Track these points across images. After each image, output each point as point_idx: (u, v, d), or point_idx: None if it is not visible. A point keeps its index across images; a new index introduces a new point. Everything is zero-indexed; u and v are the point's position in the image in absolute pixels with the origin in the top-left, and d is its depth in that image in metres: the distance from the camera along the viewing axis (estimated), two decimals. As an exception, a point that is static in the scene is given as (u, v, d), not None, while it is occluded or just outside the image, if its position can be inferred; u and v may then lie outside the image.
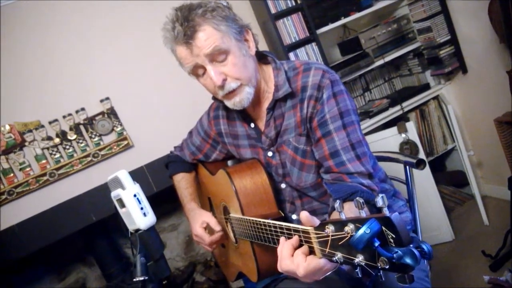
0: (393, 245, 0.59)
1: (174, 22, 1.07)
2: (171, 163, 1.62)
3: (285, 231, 0.88)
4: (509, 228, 2.09)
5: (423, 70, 2.71)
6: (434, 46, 2.48)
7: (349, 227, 0.64)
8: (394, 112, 2.52)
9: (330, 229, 0.69)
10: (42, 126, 2.06)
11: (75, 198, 2.08)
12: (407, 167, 1.43)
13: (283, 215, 1.25)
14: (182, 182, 1.54)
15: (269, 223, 0.98)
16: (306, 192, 1.25)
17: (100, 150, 2.12)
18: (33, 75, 2.06)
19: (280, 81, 1.19)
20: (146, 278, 0.98)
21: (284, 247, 0.82)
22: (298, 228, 0.80)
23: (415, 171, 1.42)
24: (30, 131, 2.04)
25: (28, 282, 2.32)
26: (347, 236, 0.65)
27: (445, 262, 2.31)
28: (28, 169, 2.03)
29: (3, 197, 1.97)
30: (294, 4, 2.28)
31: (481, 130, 2.57)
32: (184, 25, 1.05)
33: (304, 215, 0.77)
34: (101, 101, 2.15)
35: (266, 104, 1.23)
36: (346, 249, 0.66)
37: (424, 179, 2.35)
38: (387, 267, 0.59)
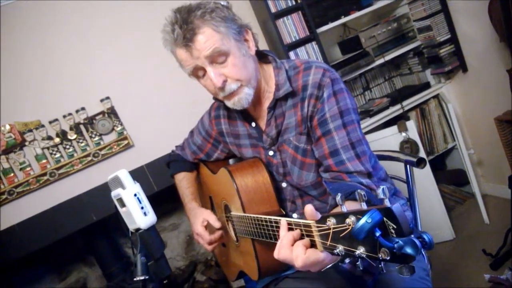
0: (394, 235, 0.59)
1: (173, 24, 1.07)
2: (173, 163, 1.62)
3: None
4: (510, 227, 2.09)
5: (423, 69, 2.71)
6: (434, 45, 2.48)
7: (351, 219, 0.65)
8: (394, 111, 2.52)
9: (331, 221, 0.69)
10: (42, 126, 2.06)
11: (75, 197, 2.08)
12: (408, 166, 1.43)
13: (284, 213, 1.25)
14: (184, 181, 1.54)
15: (270, 218, 0.98)
16: (307, 191, 1.25)
17: (100, 149, 2.12)
18: (33, 74, 2.06)
19: (280, 80, 1.19)
20: (147, 277, 0.98)
21: (286, 236, 0.81)
22: (300, 222, 0.80)
23: (416, 170, 1.42)
24: (30, 130, 2.04)
25: (29, 282, 2.32)
26: (348, 228, 0.65)
27: (445, 261, 2.31)
28: (28, 168, 2.03)
29: (4, 196, 1.97)
30: (294, 3, 2.28)
31: (481, 128, 2.57)
32: (183, 28, 1.05)
33: (309, 208, 0.76)
34: (101, 100, 2.15)
35: (267, 103, 1.23)
36: (347, 242, 0.66)
37: (424, 178, 2.35)
38: (388, 258, 0.59)
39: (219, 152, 1.50)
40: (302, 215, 1.29)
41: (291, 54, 2.28)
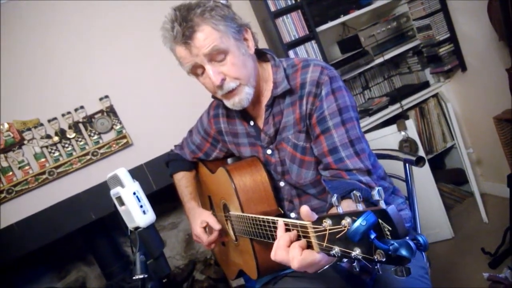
0: (389, 237, 0.59)
1: (173, 22, 1.07)
2: (172, 162, 1.62)
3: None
4: (508, 226, 2.09)
5: (423, 68, 2.71)
6: (433, 44, 2.48)
7: (346, 221, 0.65)
8: (393, 110, 2.52)
9: (327, 223, 0.69)
10: (41, 125, 2.05)
11: (74, 196, 2.08)
12: (407, 164, 1.43)
13: (282, 212, 1.25)
14: (183, 180, 1.54)
15: (268, 219, 0.98)
16: (305, 190, 1.25)
17: (99, 148, 2.12)
18: (32, 73, 2.06)
19: (278, 78, 1.19)
20: (146, 276, 0.98)
21: (282, 237, 0.82)
22: (296, 223, 0.80)
23: (415, 169, 1.42)
24: (29, 129, 2.04)
25: (28, 281, 2.32)
26: (344, 230, 0.65)
27: (444, 260, 2.31)
28: (27, 167, 2.03)
29: (2, 195, 1.97)
30: (293, 2, 2.28)
31: (481, 128, 2.57)
32: (183, 25, 1.05)
33: (305, 209, 0.76)
34: (100, 99, 2.15)
35: (265, 101, 1.23)
36: (343, 243, 0.66)
37: (423, 176, 2.35)
38: (384, 259, 0.59)
39: (217, 151, 1.50)
40: (299, 215, 1.29)
41: (291, 53, 2.28)
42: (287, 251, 0.79)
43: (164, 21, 1.10)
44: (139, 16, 2.21)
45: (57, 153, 2.07)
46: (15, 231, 1.99)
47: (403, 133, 2.35)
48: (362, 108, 2.60)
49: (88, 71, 2.14)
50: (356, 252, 0.63)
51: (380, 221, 0.60)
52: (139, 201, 1.01)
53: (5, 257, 1.97)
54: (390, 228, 0.59)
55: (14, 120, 2.02)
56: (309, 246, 0.77)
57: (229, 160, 1.59)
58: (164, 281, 1.08)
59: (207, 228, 1.34)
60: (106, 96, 2.15)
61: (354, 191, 0.66)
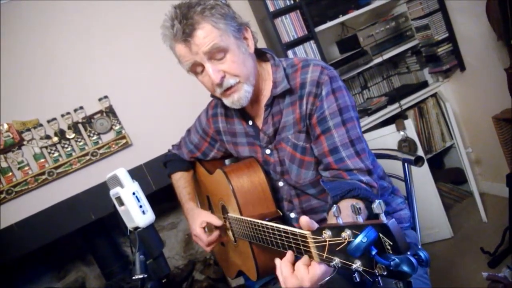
0: (390, 252, 0.59)
1: (173, 19, 1.07)
2: (169, 162, 1.61)
3: (282, 234, 0.88)
4: (508, 225, 2.09)
5: (421, 68, 2.72)
6: (432, 44, 2.48)
7: (346, 233, 0.64)
8: (392, 109, 2.52)
9: (327, 234, 0.69)
10: (41, 125, 2.05)
11: (74, 197, 2.08)
12: (406, 164, 1.43)
13: (281, 214, 1.25)
14: (181, 181, 1.54)
15: (267, 225, 0.98)
16: (305, 190, 1.25)
17: (99, 148, 2.12)
18: (32, 74, 2.06)
19: (278, 77, 1.19)
20: (145, 276, 0.98)
21: (283, 267, 0.81)
22: (296, 232, 0.80)
23: (414, 169, 1.43)
24: (29, 130, 2.04)
25: (28, 281, 2.32)
26: (344, 242, 0.65)
27: (444, 259, 2.32)
28: (26, 168, 2.03)
29: (2, 196, 1.97)
30: (292, 2, 2.28)
31: (479, 127, 2.57)
32: (183, 23, 1.05)
33: (304, 219, 0.76)
34: (100, 99, 2.15)
35: (264, 101, 1.23)
36: (343, 255, 0.66)
37: (422, 176, 2.36)
38: (385, 273, 0.59)
39: (215, 151, 1.50)
40: (299, 215, 1.29)
41: (290, 53, 2.28)
42: (295, 277, 0.79)
43: (164, 19, 1.10)
44: (138, 16, 2.21)
45: (56, 154, 2.07)
46: (15, 231, 1.99)
47: (402, 132, 2.35)
48: (361, 108, 2.60)
49: (87, 72, 2.14)
50: (357, 264, 0.63)
51: (381, 235, 0.60)
52: (139, 201, 1.01)
53: (5, 257, 1.97)
54: (391, 243, 0.59)
55: (13, 121, 2.02)
56: (309, 256, 0.77)
57: (227, 161, 1.59)
58: (163, 281, 1.08)
59: (207, 229, 1.34)
60: (106, 97, 2.15)
61: (354, 203, 0.65)
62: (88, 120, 2.12)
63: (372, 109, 2.52)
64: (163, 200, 2.34)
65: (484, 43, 2.32)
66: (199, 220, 1.33)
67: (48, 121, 2.06)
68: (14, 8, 2.02)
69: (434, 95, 2.68)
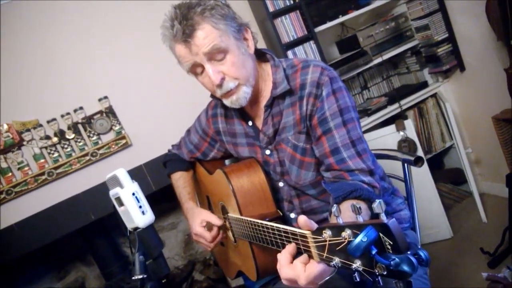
0: (391, 251, 0.59)
1: (173, 20, 1.07)
2: (169, 162, 1.61)
3: (282, 233, 0.88)
4: (507, 225, 2.09)
5: (421, 68, 2.72)
6: (432, 44, 2.49)
7: (346, 233, 0.64)
8: (392, 110, 2.52)
9: (327, 233, 0.69)
10: (40, 125, 2.05)
11: (73, 197, 2.08)
12: (405, 164, 1.43)
13: (281, 214, 1.25)
14: (180, 181, 1.54)
15: (267, 225, 0.98)
16: (305, 190, 1.25)
17: (99, 149, 2.12)
18: (32, 74, 2.06)
19: (278, 78, 1.19)
20: (145, 276, 0.98)
21: (282, 256, 0.82)
22: (296, 231, 0.80)
23: (414, 169, 1.43)
24: (28, 130, 2.04)
25: (28, 281, 2.32)
26: (344, 242, 0.65)
27: (443, 260, 2.32)
28: (26, 168, 2.03)
29: (2, 196, 1.97)
30: (292, 2, 2.28)
31: (479, 127, 2.58)
32: (183, 24, 1.05)
33: (302, 219, 0.76)
34: (100, 100, 2.15)
35: (264, 102, 1.23)
36: (344, 254, 0.66)
37: (422, 176, 2.36)
38: (385, 273, 0.59)
39: (215, 151, 1.50)
40: (299, 215, 1.29)
41: (289, 53, 2.28)
42: (291, 268, 0.79)
43: (164, 19, 1.10)
44: (138, 16, 2.21)
45: (56, 154, 2.07)
46: (15, 231, 1.99)
47: (401, 133, 2.35)
48: (361, 108, 2.60)
49: (87, 72, 2.14)
50: (357, 264, 0.63)
51: (381, 235, 0.60)
52: (138, 201, 1.01)
53: (5, 258, 1.97)
54: (391, 243, 0.59)
55: (13, 121, 2.02)
56: (309, 256, 0.77)
57: (227, 161, 1.59)
58: (163, 281, 1.09)
59: (207, 228, 1.34)
60: (105, 97, 2.15)
61: (354, 203, 0.65)
62: (88, 121, 2.12)
63: (372, 109, 2.52)
64: (163, 200, 2.34)
65: (484, 43, 2.32)
66: (199, 219, 1.32)
67: (48, 122, 2.06)
68: (14, 8, 2.02)
69: (434, 96, 2.68)
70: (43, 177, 2.04)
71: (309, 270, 0.76)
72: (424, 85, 2.67)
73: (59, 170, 2.06)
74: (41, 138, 2.05)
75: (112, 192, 1.03)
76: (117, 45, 2.19)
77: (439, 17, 2.44)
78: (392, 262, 0.58)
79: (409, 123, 2.35)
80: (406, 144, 2.34)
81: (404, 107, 2.53)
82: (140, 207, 1.01)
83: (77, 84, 2.12)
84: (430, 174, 2.39)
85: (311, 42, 2.32)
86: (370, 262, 0.62)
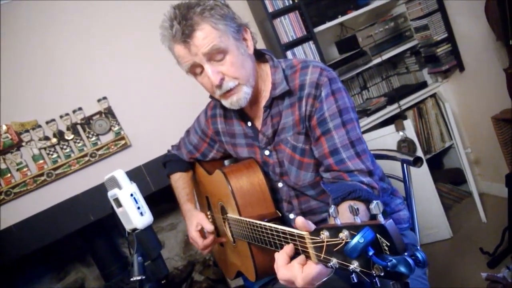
0: (388, 253, 0.59)
1: (172, 20, 1.07)
2: (169, 162, 1.61)
3: (281, 234, 0.88)
4: (507, 225, 2.09)
5: (420, 68, 2.72)
6: (431, 44, 2.49)
7: (344, 234, 0.65)
8: (391, 110, 2.52)
9: (325, 234, 0.69)
10: (39, 126, 2.05)
11: (73, 198, 2.08)
12: (405, 165, 1.43)
13: (280, 215, 1.25)
14: (179, 181, 1.54)
15: (265, 225, 0.97)
16: (304, 191, 1.25)
17: (98, 150, 2.12)
18: (31, 74, 2.06)
19: (277, 79, 1.19)
20: (144, 277, 0.98)
21: (279, 256, 0.81)
22: (294, 232, 0.80)
23: (413, 169, 1.42)
24: (27, 131, 2.04)
25: (27, 282, 2.32)
26: (341, 243, 0.65)
27: (443, 260, 2.32)
28: (25, 169, 2.03)
29: (1, 197, 1.97)
30: (291, 2, 2.28)
31: (479, 127, 2.57)
32: (182, 24, 1.05)
33: (300, 220, 0.76)
34: (99, 100, 2.14)
35: (263, 102, 1.23)
36: (341, 255, 0.66)
37: (422, 176, 2.36)
38: (382, 274, 0.59)
39: (215, 152, 1.50)
40: (298, 215, 1.29)
41: (289, 53, 2.28)
42: (288, 269, 0.79)
43: (163, 20, 1.10)
44: (137, 17, 2.21)
45: (55, 155, 2.07)
46: (14, 232, 1.98)
47: (401, 133, 2.35)
48: (360, 108, 2.60)
49: (86, 72, 2.14)
50: (354, 265, 0.63)
51: (378, 236, 0.60)
52: (137, 202, 1.01)
53: (4, 259, 1.97)
54: (388, 244, 0.59)
55: (12, 122, 2.02)
56: (306, 257, 0.77)
57: (226, 162, 1.59)
58: (163, 282, 1.09)
59: (205, 230, 1.34)
60: (104, 98, 2.15)
61: (351, 204, 0.66)
62: (87, 121, 2.12)
63: (372, 109, 2.52)
64: (162, 201, 2.34)
65: (483, 43, 2.32)
66: (194, 222, 1.33)
67: (47, 122, 2.06)
68: (14, 8, 2.02)
69: (433, 96, 2.67)
70: (42, 178, 2.03)
71: (306, 271, 0.75)
72: (423, 85, 2.67)
73: (58, 171, 2.06)
74: (40, 139, 2.05)
75: (111, 193, 1.03)
76: (116, 45, 2.19)
77: (439, 17, 2.44)
78: (389, 263, 0.58)
79: (408, 123, 2.35)
80: (405, 144, 2.34)
81: (403, 107, 2.53)
82: (139, 208, 1.01)
83: (76, 85, 2.12)
84: (429, 174, 2.39)
85: (311, 42, 2.32)
86: (367, 263, 0.62)
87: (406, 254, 0.58)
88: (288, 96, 1.18)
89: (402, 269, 0.57)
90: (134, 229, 1.03)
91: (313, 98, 1.13)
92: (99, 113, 2.14)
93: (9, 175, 2.00)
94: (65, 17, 2.11)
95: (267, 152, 1.27)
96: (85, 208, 2.08)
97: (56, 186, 2.07)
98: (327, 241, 0.69)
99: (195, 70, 1.13)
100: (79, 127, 2.11)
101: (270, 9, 2.24)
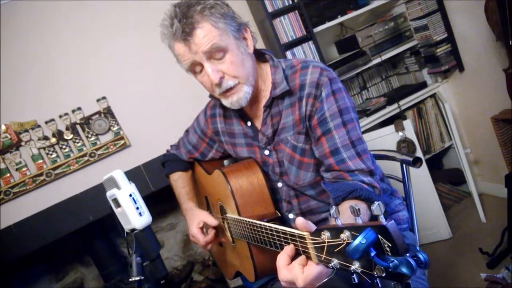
0: (389, 253, 0.59)
1: (173, 18, 1.07)
2: (168, 162, 1.61)
3: (281, 234, 0.87)
4: (506, 226, 2.09)
5: (420, 68, 2.71)
6: (431, 44, 2.48)
7: (345, 235, 0.64)
8: (391, 110, 2.52)
9: (326, 235, 0.69)
10: (38, 126, 2.05)
11: (72, 198, 2.08)
12: (404, 165, 1.43)
13: (279, 215, 1.25)
14: (179, 181, 1.54)
15: (265, 225, 0.97)
16: (304, 191, 1.25)
17: (97, 149, 2.12)
18: (30, 74, 2.05)
19: (277, 79, 1.19)
20: (142, 278, 0.98)
21: (280, 258, 0.81)
22: (294, 233, 0.80)
23: (413, 169, 1.42)
24: (26, 131, 2.03)
25: (26, 282, 2.31)
26: (343, 243, 0.65)
27: (442, 260, 2.31)
28: (24, 169, 2.02)
29: (0, 197, 1.96)
30: (291, 2, 2.28)
31: (478, 128, 2.57)
32: (183, 22, 1.05)
33: (300, 221, 0.76)
34: (98, 100, 2.14)
35: (263, 102, 1.23)
36: (342, 256, 0.66)
37: (421, 177, 2.36)
38: (384, 275, 0.59)
39: (214, 152, 1.50)
40: (298, 215, 1.29)
41: (288, 53, 2.28)
42: (289, 270, 0.79)
43: (163, 18, 1.10)
44: (137, 17, 2.21)
45: (54, 155, 2.07)
46: (13, 232, 1.98)
47: (400, 133, 2.35)
48: (360, 108, 2.60)
49: (85, 72, 2.14)
50: (355, 266, 0.63)
51: (379, 237, 0.60)
52: (135, 203, 1.01)
53: (3, 259, 1.97)
54: (390, 245, 0.59)
55: (11, 122, 2.02)
56: (307, 257, 0.77)
57: (225, 162, 1.59)
58: (162, 282, 1.08)
59: (205, 228, 1.34)
60: (104, 97, 2.15)
61: (353, 205, 0.65)
62: (86, 121, 2.12)
63: (371, 109, 2.52)
64: (161, 201, 2.33)
65: (483, 43, 2.32)
66: (196, 220, 1.33)
67: (46, 122, 2.06)
68: (14, 8, 2.02)
69: (433, 96, 2.67)
70: (41, 178, 2.03)
71: (307, 272, 0.75)
72: (423, 85, 2.66)
73: (57, 171, 2.06)
74: (39, 139, 2.05)
75: (109, 194, 1.03)
76: (116, 45, 2.18)
77: (438, 17, 2.44)
78: (391, 264, 0.58)
79: (408, 124, 2.35)
80: (405, 145, 2.34)
81: (403, 108, 2.53)
82: (137, 208, 1.01)
83: (76, 85, 2.12)
84: (429, 174, 2.39)
85: (310, 42, 2.32)
86: (368, 264, 0.61)
87: (408, 255, 0.58)
88: (288, 96, 1.18)
89: (404, 270, 0.57)
90: (133, 230, 1.03)
91: (313, 98, 1.13)
92: (98, 113, 2.14)
93: (8, 175, 2.00)
94: (65, 17, 2.11)
95: (266, 152, 1.27)
96: (84, 208, 2.08)
97: (55, 186, 2.07)
98: (328, 242, 0.68)
99: (195, 68, 1.13)
100: (78, 127, 2.11)
101: (270, 9, 2.24)
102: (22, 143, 2.03)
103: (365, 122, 2.47)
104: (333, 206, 0.70)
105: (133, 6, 2.21)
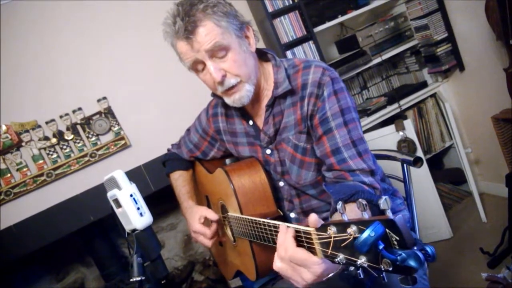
0: (397, 247, 0.59)
1: (175, 16, 1.07)
2: (169, 161, 1.61)
3: None
4: (507, 225, 2.09)
5: (421, 68, 2.71)
6: (431, 44, 2.48)
7: (352, 229, 0.64)
8: (391, 110, 2.52)
9: (332, 230, 0.69)
10: (39, 126, 2.05)
11: (72, 198, 2.08)
12: (405, 165, 1.43)
13: (281, 213, 1.25)
14: (179, 180, 1.53)
15: (269, 222, 0.97)
16: (305, 190, 1.25)
17: (98, 150, 2.12)
18: (30, 74, 2.06)
19: (279, 78, 1.19)
20: (143, 278, 0.98)
21: (280, 234, 0.81)
22: (300, 228, 0.80)
23: (413, 169, 1.42)
24: (27, 131, 2.03)
25: (27, 282, 2.31)
26: (349, 238, 0.65)
27: (443, 260, 2.31)
28: (25, 169, 2.02)
29: (1, 197, 1.97)
30: (291, 2, 2.28)
31: (479, 127, 2.57)
32: (185, 20, 1.05)
33: (313, 218, 0.75)
34: (98, 100, 2.14)
35: (265, 101, 1.23)
36: (348, 251, 0.66)
37: (422, 177, 2.36)
38: (391, 269, 0.59)
39: (215, 151, 1.50)
40: (299, 215, 1.29)
41: (289, 53, 2.28)
42: (289, 264, 0.79)
43: (165, 16, 1.10)
44: (137, 17, 2.21)
45: (55, 155, 2.07)
46: (14, 233, 1.98)
47: (401, 133, 2.35)
48: (360, 108, 2.60)
49: (86, 72, 2.14)
50: (362, 260, 0.63)
51: (387, 230, 0.60)
52: (136, 203, 1.01)
53: (3, 259, 1.97)
54: (398, 238, 0.59)
55: (12, 122, 2.02)
56: (312, 253, 0.77)
57: (227, 161, 1.59)
58: (162, 282, 1.08)
59: (205, 224, 1.33)
60: (104, 98, 2.15)
61: (360, 199, 0.66)
62: (87, 121, 2.12)
63: (372, 109, 2.52)
64: (162, 201, 2.33)
65: (483, 43, 2.32)
66: (197, 216, 1.32)
67: (47, 122, 2.06)
68: (14, 8, 2.02)
69: (434, 95, 2.67)
70: (42, 178, 2.03)
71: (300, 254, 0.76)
72: (423, 85, 2.66)
73: (58, 171, 2.06)
74: (40, 139, 2.05)
75: (110, 194, 1.03)
76: (116, 45, 2.18)
77: (439, 17, 2.44)
78: (398, 257, 0.58)
79: (408, 123, 2.35)
80: (405, 144, 2.34)
81: (403, 107, 2.53)
82: (138, 208, 1.01)
83: (76, 85, 2.12)
84: (429, 174, 2.39)
85: (310, 42, 2.32)
86: (375, 258, 0.61)
87: (415, 248, 0.58)
88: (290, 95, 1.19)
89: (412, 263, 0.57)
90: (134, 230, 1.02)
91: (315, 98, 1.13)
92: (99, 113, 2.14)
93: (9, 175, 2.00)
94: (65, 17, 2.11)
95: (268, 151, 1.27)
96: (85, 208, 2.08)
97: (56, 186, 2.07)
98: (334, 237, 0.68)
99: (197, 66, 1.13)
100: (79, 127, 2.11)
101: (270, 9, 2.24)
102: (23, 144, 2.03)
103: (366, 121, 2.47)
104: (340, 202, 0.70)
105: (133, 6, 2.21)
